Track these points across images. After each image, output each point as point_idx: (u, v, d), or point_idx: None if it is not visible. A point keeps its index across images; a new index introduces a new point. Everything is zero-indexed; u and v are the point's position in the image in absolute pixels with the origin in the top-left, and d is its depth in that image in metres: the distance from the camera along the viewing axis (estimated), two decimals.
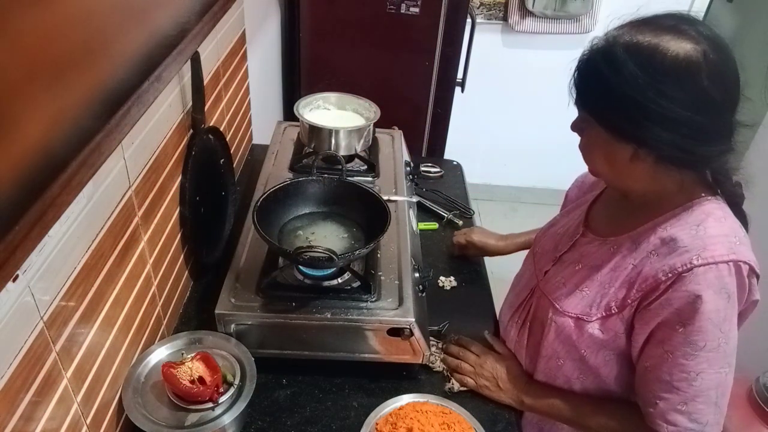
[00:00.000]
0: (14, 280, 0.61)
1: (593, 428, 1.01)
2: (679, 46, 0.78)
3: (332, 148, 1.44)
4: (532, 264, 1.14)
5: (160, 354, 1.02)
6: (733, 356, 0.87)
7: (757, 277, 0.86)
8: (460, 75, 2.39)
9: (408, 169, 1.55)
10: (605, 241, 0.98)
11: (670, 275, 0.85)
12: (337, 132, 1.43)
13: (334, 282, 1.11)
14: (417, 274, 1.19)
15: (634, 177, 0.89)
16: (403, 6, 2.14)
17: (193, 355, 0.97)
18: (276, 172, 1.43)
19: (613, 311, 0.93)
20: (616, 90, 0.81)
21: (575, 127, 0.93)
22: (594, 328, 0.95)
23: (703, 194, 0.89)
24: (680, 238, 0.86)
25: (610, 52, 0.82)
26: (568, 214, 1.13)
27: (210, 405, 0.94)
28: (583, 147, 0.93)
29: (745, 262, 0.83)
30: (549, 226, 1.17)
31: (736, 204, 0.93)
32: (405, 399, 1.04)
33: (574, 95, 0.88)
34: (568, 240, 1.05)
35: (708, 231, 0.85)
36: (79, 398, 0.79)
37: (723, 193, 0.92)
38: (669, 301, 0.86)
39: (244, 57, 1.66)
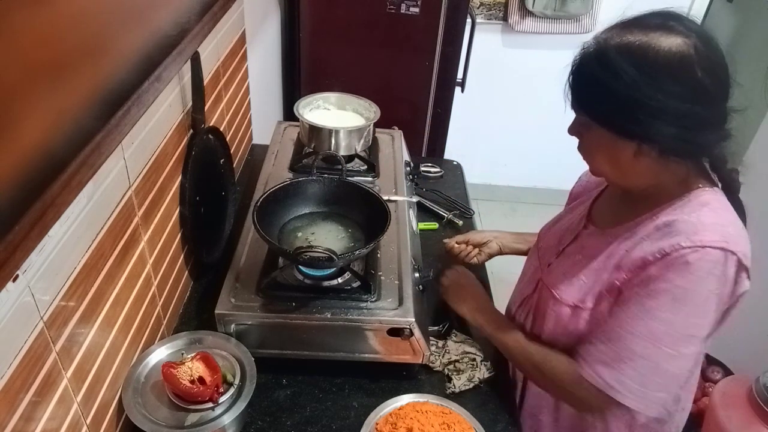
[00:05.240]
0: (14, 280, 0.61)
1: (517, 354, 1.06)
2: (670, 42, 0.80)
3: (332, 148, 1.44)
4: (536, 259, 1.15)
5: (160, 354, 1.02)
6: (686, 346, 0.87)
7: (746, 270, 0.87)
8: (460, 75, 2.39)
9: (408, 169, 1.55)
10: (604, 231, 0.99)
11: (657, 255, 0.87)
12: (337, 132, 1.43)
13: (334, 282, 1.11)
14: (417, 274, 1.19)
15: (638, 173, 0.90)
16: (403, 6, 2.14)
17: (193, 355, 0.97)
18: (276, 172, 1.43)
19: (603, 295, 0.95)
20: (615, 92, 0.82)
21: (573, 130, 0.94)
22: (589, 317, 0.97)
23: (700, 185, 0.90)
24: (673, 224, 0.88)
25: (603, 55, 0.83)
26: (572, 211, 1.15)
27: (210, 405, 0.94)
28: (584, 149, 0.94)
29: (733, 253, 0.84)
30: (553, 222, 1.19)
31: (733, 192, 0.94)
32: (405, 399, 1.04)
33: (570, 99, 0.90)
34: (571, 233, 1.07)
35: (701, 218, 0.86)
36: (79, 398, 0.79)
37: (721, 179, 0.94)
38: (647, 273, 0.87)
39: (244, 57, 1.66)
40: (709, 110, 0.83)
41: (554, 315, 1.01)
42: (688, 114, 0.81)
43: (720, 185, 0.93)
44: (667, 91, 0.80)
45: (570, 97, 0.89)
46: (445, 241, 1.42)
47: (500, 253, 1.38)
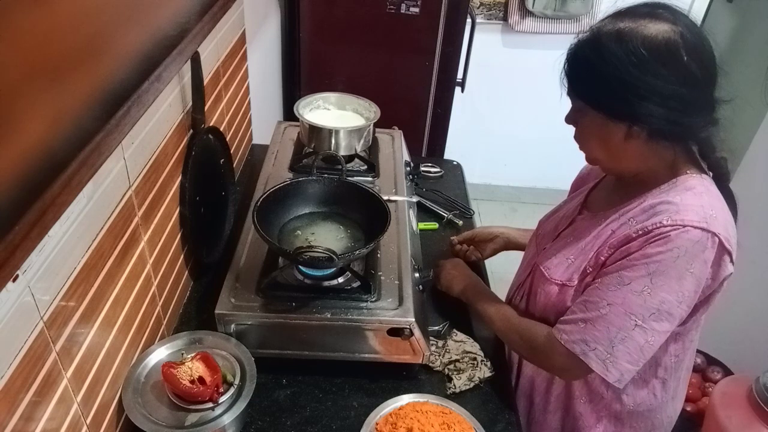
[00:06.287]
0: (14, 280, 0.61)
1: (499, 324, 1.10)
2: (657, 27, 0.85)
3: (332, 148, 1.44)
4: (534, 246, 1.19)
5: (160, 354, 1.02)
6: (657, 321, 0.90)
7: (729, 253, 0.89)
8: (460, 75, 2.39)
9: (408, 169, 1.55)
10: (596, 215, 1.04)
11: (640, 232, 0.90)
12: (337, 132, 1.43)
13: (334, 282, 1.11)
14: (417, 274, 1.19)
15: (628, 156, 0.94)
16: (403, 6, 2.14)
17: (193, 355, 0.97)
18: (276, 172, 1.43)
19: (587, 271, 0.98)
20: (605, 74, 0.87)
21: (569, 118, 0.98)
22: (574, 292, 1.00)
23: (688, 171, 0.94)
24: (657, 205, 0.91)
25: (595, 41, 0.89)
26: (570, 201, 1.19)
27: (210, 405, 0.94)
28: (578, 135, 0.98)
29: (715, 234, 0.87)
30: (553, 212, 1.22)
31: (722, 180, 0.97)
32: (405, 399, 1.04)
33: (566, 86, 0.94)
34: (567, 219, 1.11)
35: (685, 200, 0.90)
36: (79, 398, 0.79)
37: (710, 166, 0.97)
38: (628, 247, 0.91)
39: (244, 57, 1.66)
40: (695, 94, 0.86)
41: (544, 294, 1.05)
42: (674, 96, 0.85)
43: (711, 174, 0.96)
44: (653, 73, 0.84)
45: (565, 83, 0.94)
46: (452, 238, 1.44)
47: (506, 248, 1.40)
